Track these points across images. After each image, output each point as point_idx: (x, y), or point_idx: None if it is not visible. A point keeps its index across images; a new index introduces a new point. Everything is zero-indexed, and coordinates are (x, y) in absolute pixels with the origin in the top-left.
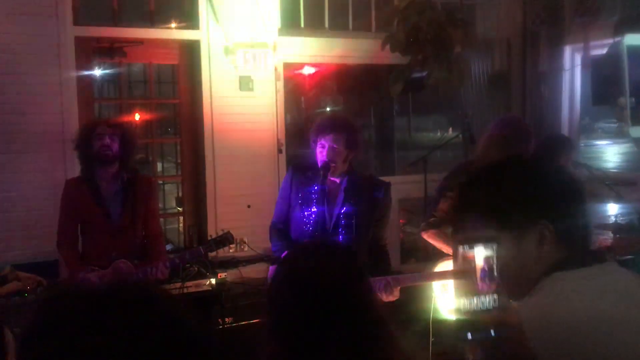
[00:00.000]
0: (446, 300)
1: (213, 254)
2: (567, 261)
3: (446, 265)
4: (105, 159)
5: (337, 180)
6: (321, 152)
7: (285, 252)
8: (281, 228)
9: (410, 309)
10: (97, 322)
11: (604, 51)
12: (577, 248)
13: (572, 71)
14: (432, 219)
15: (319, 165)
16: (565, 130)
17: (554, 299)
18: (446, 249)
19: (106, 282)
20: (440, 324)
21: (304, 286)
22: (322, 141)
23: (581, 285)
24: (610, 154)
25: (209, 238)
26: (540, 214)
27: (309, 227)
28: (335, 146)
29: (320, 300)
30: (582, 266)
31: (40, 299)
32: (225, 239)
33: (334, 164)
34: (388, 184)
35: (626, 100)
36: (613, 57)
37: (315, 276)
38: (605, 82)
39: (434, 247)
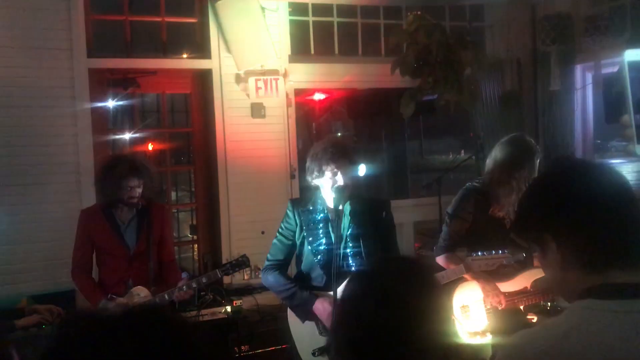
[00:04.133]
0: (466, 323)
1: (228, 281)
2: (602, 290)
3: (466, 289)
4: (132, 205)
5: (341, 206)
6: (332, 179)
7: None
8: (278, 269)
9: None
10: (113, 347)
11: (615, 69)
12: (613, 276)
13: (584, 90)
14: (445, 242)
15: (333, 189)
16: (579, 149)
17: (573, 327)
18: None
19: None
20: (458, 348)
21: (389, 300)
22: (334, 167)
23: (611, 317)
24: (624, 173)
25: (226, 261)
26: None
27: (321, 257)
28: (347, 170)
29: (404, 313)
30: (620, 298)
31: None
32: (242, 262)
33: (348, 187)
34: (386, 201)
35: (630, 118)
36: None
37: (401, 289)
38: (617, 100)
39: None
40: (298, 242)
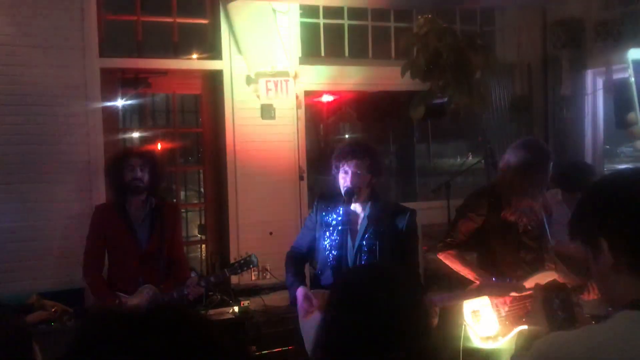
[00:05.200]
0: (477, 328)
1: (236, 281)
2: None
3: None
4: (137, 190)
5: (360, 208)
6: (344, 178)
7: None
8: (296, 256)
9: (438, 336)
10: (137, 346)
11: (626, 75)
12: None
13: (594, 95)
14: (449, 239)
15: (343, 190)
16: (589, 154)
17: (618, 337)
18: (463, 271)
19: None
20: (470, 352)
21: (366, 308)
22: (345, 167)
23: None
24: None
25: (234, 261)
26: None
27: (331, 257)
28: (358, 172)
29: (383, 321)
30: None
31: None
32: (250, 262)
33: (358, 189)
34: (412, 211)
35: (636, 116)
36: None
37: (379, 298)
38: (628, 106)
39: (457, 275)
40: (316, 237)
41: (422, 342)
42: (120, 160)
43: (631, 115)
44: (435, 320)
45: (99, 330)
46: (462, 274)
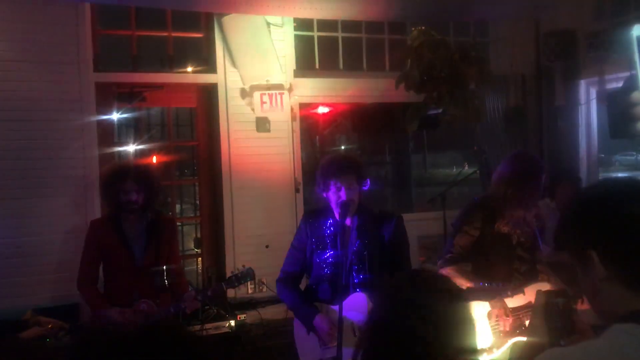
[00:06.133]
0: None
1: (232, 295)
2: None
3: (471, 304)
4: (132, 211)
5: (349, 220)
6: (337, 194)
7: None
8: (292, 280)
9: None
10: None
11: (619, 85)
12: None
13: (588, 105)
14: (449, 255)
15: (338, 204)
16: (583, 163)
17: (614, 351)
18: (467, 285)
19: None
20: None
21: (415, 311)
22: (338, 183)
23: None
24: None
25: (231, 274)
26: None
27: (327, 270)
28: (350, 185)
29: (430, 323)
30: None
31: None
32: (247, 274)
33: (352, 202)
34: (398, 217)
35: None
36: (629, 91)
37: (428, 300)
38: (622, 115)
39: None
40: (308, 254)
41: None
42: (114, 184)
43: (636, 94)
44: None
45: (91, 351)
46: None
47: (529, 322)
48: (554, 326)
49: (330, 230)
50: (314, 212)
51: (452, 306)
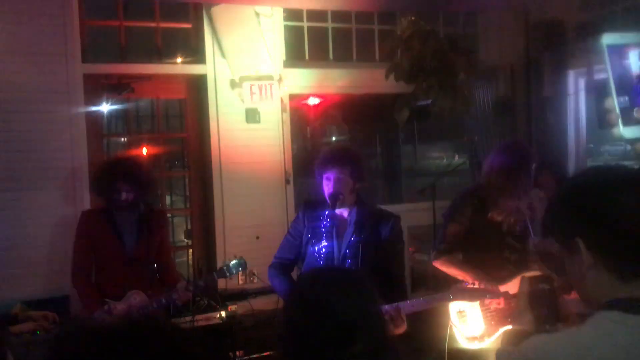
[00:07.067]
0: (463, 328)
1: (223, 286)
2: (631, 304)
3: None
4: (122, 209)
5: (346, 213)
6: (327, 185)
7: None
8: (283, 267)
9: (424, 338)
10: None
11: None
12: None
13: (577, 96)
14: (442, 245)
15: (327, 197)
16: (572, 154)
17: (598, 339)
18: (461, 275)
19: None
20: (456, 353)
21: (318, 312)
22: (328, 174)
23: (636, 334)
24: None
25: (222, 264)
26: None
27: (320, 261)
28: (341, 178)
29: (335, 326)
30: None
31: (54, 337)
32: (239, 265)
33: (342, 196)
34: (396, 217)
35: (614, 101)
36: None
37: (330, 301)
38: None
39: (445, 275)
40: (304, 244)
41: (376, 336)
42: (105, 183)
43: (608, 101)
44: (404, 327)
45: (72, 347)
46: (459, 278)
47: (515, 308)
48: (539, 312)
49: (327, 221)
50: (313, 203)
51: (355, 303)
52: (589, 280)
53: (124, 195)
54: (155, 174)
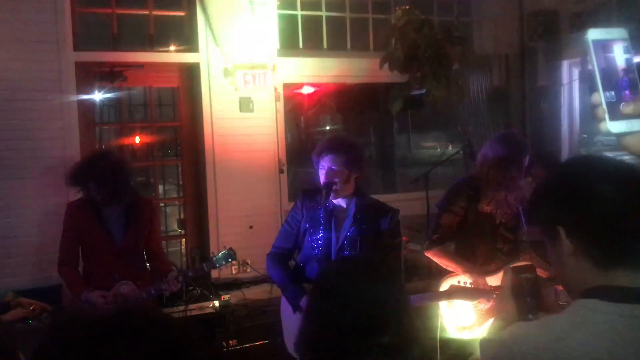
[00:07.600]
0: (453, 318)
1: (216, 275)
2: (607, 291)
3: (451, 283)
4: (104, 205)
5: (345, 204)
6: (322, 174)
7: (321, 268)
8: (282, 257)
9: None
10: (102, 350)
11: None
12: (620, 277)
13: (570, 85)
14: (435, 236)
15: (322, 185)
16: (565, 143)
17: (575, 326)
18: (452, 266)
19: (110, 309)
20: (447, 343)
21: (347, 302)
22: (322, 162)
23: (614, 321)
24: None
25: (212, 255)
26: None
27: (317, 251)
28: (334, 167)
29: (364, 316)
30: (625, 302)
31: (46, 326)
32: (228, 255)
33: (335, 185)
34: (395, 211)
35: (600, 96)
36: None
37: (360, 291)
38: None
39: (437, 265)
40: (301, 233)
41: (405, 327)
42: (78, 184)
43: (595, 96)
44: None
45: (64, 335)
46: (451, 269)
47: (498, 298)
48: (522, 301)
49: (326, 212)
50: (311, 192)
51: (378, 290)
52: (568, 268)
53: (98, 196)
54: (147, 162)
